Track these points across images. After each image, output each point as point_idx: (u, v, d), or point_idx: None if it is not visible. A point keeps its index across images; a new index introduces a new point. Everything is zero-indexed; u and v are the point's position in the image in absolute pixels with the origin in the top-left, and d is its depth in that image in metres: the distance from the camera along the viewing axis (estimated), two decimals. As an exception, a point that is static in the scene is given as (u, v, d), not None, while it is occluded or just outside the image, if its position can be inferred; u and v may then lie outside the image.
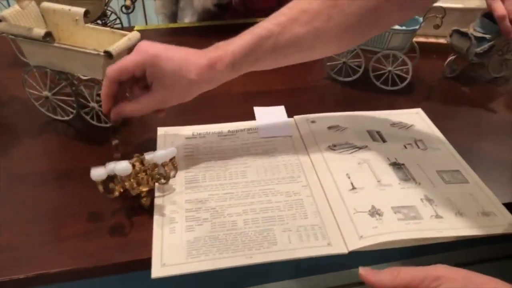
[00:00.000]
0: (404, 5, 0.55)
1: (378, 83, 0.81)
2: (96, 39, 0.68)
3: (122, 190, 0.54)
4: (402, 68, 0.80)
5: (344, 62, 0.84)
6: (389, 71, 0.80)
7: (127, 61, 0.56)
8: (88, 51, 0.61)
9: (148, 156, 0.56)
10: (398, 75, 0.81)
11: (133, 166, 0.54)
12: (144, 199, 0.55)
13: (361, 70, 0.82)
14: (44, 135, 0.69)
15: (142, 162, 0.56)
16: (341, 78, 0.84)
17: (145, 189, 0.55)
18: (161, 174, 0.56)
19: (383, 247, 0.50)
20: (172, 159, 0.56)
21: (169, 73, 0.56)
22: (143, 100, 0.58)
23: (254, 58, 0.56)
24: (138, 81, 0.59)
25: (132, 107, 0.59)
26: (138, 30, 0.94)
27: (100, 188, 0.52)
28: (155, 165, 0.56)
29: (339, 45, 0.60)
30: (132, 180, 0.54)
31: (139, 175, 0.55)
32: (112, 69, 0.56)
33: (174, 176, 0.57)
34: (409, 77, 0.79)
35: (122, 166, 0.52)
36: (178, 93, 0.58)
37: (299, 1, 0.57)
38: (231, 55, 0.56)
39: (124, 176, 0.52)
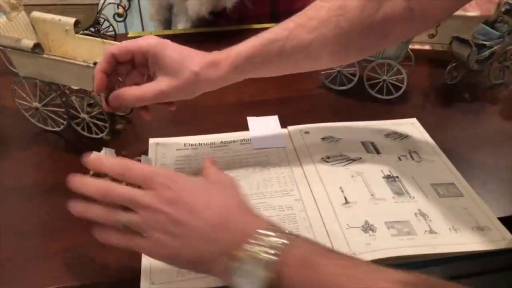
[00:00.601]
0: (414, 19, 0.54)
1: (373, 92, 0.81)
2: (86, 49, 0.67)
3: None
4: (397, 77, 0.79)
5: (338, 71, 0.84)
6: (384, 80, 0.80)
7: (129, 42, 0.54)
8: (78, 62, 0.60)
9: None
10: (393, 84, 0.80)
11: None
12: None
13: (355, 79, 0.82)
14: (34, 146, 0.68)
15: None
16: (335, 87, 0.83)
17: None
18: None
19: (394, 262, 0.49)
20: None
21: (172, 61, 0.54)
22: (144, 87, 0.55)
23: (259, 61, 0.55)
24: (136, 73, 0.57)
25: (132, 92, 0.55)
26: (132, 37, 0.93)
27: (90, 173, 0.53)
28: None
29: (346, 56, 0.60)
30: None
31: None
32: (112, 45, 0.54)
33: None
34: (404, 86, 0.79)
35: None
36: (180, 85, 0.54)
37: (308, 9, 0.57)
38: (235, 55, 0.55)
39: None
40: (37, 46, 0.60)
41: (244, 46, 0.55)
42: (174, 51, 0.54)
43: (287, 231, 0.40)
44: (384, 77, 0.80)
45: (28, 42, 0.60)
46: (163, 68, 0.54)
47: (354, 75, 0.82)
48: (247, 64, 0.55)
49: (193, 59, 0.54)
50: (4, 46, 0.61)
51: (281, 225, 0.42)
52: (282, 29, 0.56)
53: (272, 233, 0.39)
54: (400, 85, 0.79)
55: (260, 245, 0.38)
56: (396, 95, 0.79)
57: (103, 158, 0.47)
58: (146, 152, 0.66)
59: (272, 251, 0.37)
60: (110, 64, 0.54)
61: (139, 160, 0.58)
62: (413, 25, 0.56)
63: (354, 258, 0.41)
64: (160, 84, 0.54)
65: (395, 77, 0.79)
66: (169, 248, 0.42)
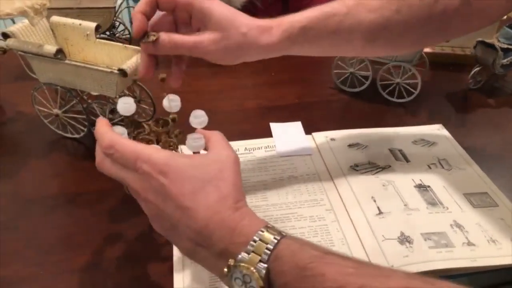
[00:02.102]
0: (471, 15, 0.53)
1: (384, 94, 0.79)
2: (107, 54, 0.65)
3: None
4: (411, 81, 0.77)
5: (351, 73, 0.82)
6: (398, 83, 0.78)
7: None
8: (101, 68, 0.58)
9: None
10: (407, 87, 0.78)
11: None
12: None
13: (368, 81, 0.80)
14: (53, 154, 0.66)
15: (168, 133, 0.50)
16: (348, 89, 0.82)
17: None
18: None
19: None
20: None
21: (220, 17, 0.48)
22: (182, 35, 0.48)
23: (313, 34, 0.51)
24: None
25: (168, 36, 0.48)
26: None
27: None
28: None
29: (401, 44, 0.56)
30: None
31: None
32: None
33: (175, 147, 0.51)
34: (418, 89, 0.77)
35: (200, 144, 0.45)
36: (222, 42, 0.48)
37: None
38: (289, 23, 0.51)
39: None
40: (60, 51, 0.58)
41: (298, 16, 0.51)
42: (223, 7, 0.49)
43: (274, 234, 0.36)
44: (398, 80, 0.78)
45: (50, 48, 0.58)
46: (208, 24, 0.48)
47: (366, 78, 0.81)
48: (301, 35, 0.51)
49: (242, 20, 0.49)
50: (25, 52, 0.60)
51: (267, 224, 0.37)
52: (341, 4, 0.52)
53: (259, 240, 0.35)
54: (412, 90, 0.77)
55: (248, 252, 0.35)
56: (408, 99, 0.78)
57: (97, 131, 0.42)
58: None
59: (261, 259, 0.34)
60: (151, 7, 0.48)
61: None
62: (470, 21, 0.54)
63: (357, 261, 0.35)
64: (202, 36, 0.48)
65: (408, 80, 0.78)
66: (163, 231, 0.40)
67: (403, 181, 0.60)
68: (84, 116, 0.65)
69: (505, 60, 0.76)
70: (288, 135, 0.69)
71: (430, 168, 0.63)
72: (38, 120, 0.68)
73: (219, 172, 0.40)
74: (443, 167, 0.63)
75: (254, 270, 0.34)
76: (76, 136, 0.67)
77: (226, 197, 0.38)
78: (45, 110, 0.67)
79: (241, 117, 0.77)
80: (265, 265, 0.34)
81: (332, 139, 0.68)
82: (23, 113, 0.73)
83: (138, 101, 0.70)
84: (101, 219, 0.55)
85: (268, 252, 0.34)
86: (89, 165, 0.64)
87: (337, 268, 0.33)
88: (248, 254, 0.35)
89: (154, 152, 0.39)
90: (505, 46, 0.76)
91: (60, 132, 0.68)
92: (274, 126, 0.71)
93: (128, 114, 0.46)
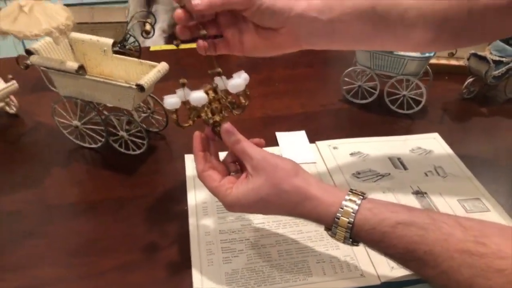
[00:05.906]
0: (507, 14, 0.50)
1: (393, 107, 0.83)
2: (123, 69, 0.69)
3: (195, 120, 0.51)
4: (417, 92, 0.82)
5: (359, 86, 0.86)
6: (404, 95, 0.83)
7: None
8: (120, 83, 0.62)
9: (220, 83, 0.50)
10: (412, 99, 0.83)
11: (207, 94, 0.50)
12: (218, 128, 0.51)
13: (376, 93, 0.85)
14: (73, 163, 0.70)
15: (215, 91, 0.51)
16: (357, 101, 0.86)
17: (218, 118, 0.50)
18: (233, 102, 0.52)
19: (415, 277, 0.52)
20: (245, 88, 0.51)
21: None
22: None
23: (350, 17, 0.52)
24: None
25: None
26: (154, 50, 0.95)
27: (174, 117, 0.50)
28: (228, 93, 0.51)
29: (439, 38, 0.54)
30: (206, 109, 0.50)
31: (212, 104, 0.50)
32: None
33: (246, 105, 0.52)
34: (423, 100, 0.82)
35: (197, 96, 0.48)
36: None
37: None
38: (322, 3, 0.52)
39: (199, 106, 0.49)
40: (81, 68, 0.62)
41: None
42: None
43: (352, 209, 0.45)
44: (404, 93, 0.83)
45: (72, 64, 0.62)
46: None
47: (374, 89, 0.85)
48: (336, 13, 0.52)
49: None
50: (48, 68, 0.63)
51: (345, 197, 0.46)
52: None
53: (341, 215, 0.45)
54: (419, 99, 0.82)
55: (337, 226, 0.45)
56: (416, 109, 0.82)
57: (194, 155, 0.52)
58: (182, 169, 0.68)
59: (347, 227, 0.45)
60: None
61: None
62: (505, 20, 0.51)
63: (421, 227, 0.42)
64: None
65: (414, 92, 0.82)
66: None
67: (401, 188, 0.64)
68: (102, 127, 0.69)
69: (496, 72, 0.81)
70: (293, 144, 0.74)
71: (427, 175, 0.67)
72: (57, 130, 0.72)
73: (270, 185, 0.48)
74: (439, 174, 0.68)
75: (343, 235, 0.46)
76: (94, 146, 0.71)
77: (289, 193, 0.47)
78: (65, 121, 0.71)
79: (248, 126, 0.80)
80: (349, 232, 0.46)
81: (335, 148, 0.72)
82: (42, 124, 0.77)
83: (151, 112, 0.74)
84: (122, 225, 0.59)
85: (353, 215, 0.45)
86: (108, 174, 0.68)
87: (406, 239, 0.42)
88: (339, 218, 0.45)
89: (223, 196, 0.48)
90: (497, 58, 0.81)
91: (78, 142, 0.72)
92: (280, 135, 0.76)
93: (202, 104, 0.49)
